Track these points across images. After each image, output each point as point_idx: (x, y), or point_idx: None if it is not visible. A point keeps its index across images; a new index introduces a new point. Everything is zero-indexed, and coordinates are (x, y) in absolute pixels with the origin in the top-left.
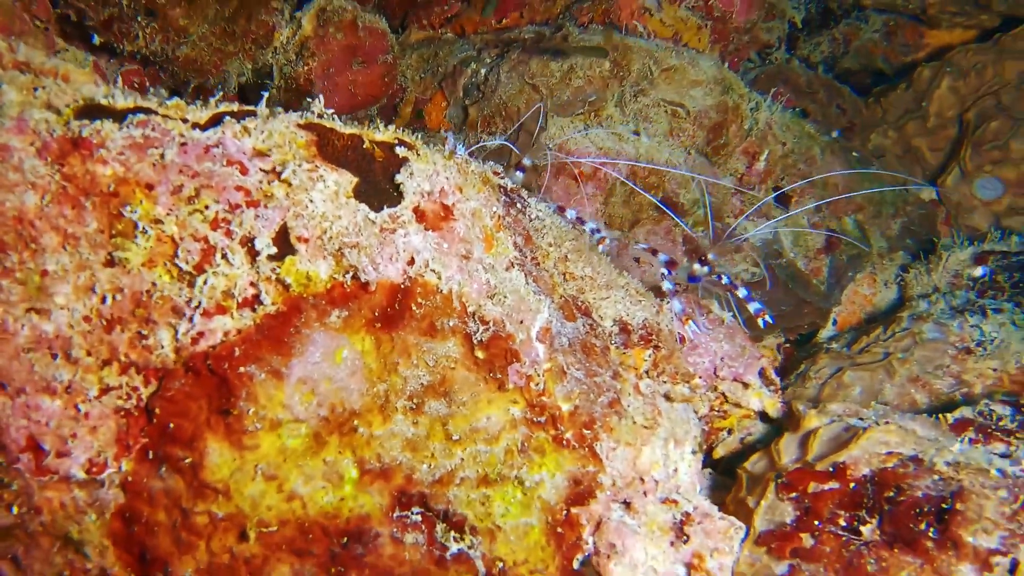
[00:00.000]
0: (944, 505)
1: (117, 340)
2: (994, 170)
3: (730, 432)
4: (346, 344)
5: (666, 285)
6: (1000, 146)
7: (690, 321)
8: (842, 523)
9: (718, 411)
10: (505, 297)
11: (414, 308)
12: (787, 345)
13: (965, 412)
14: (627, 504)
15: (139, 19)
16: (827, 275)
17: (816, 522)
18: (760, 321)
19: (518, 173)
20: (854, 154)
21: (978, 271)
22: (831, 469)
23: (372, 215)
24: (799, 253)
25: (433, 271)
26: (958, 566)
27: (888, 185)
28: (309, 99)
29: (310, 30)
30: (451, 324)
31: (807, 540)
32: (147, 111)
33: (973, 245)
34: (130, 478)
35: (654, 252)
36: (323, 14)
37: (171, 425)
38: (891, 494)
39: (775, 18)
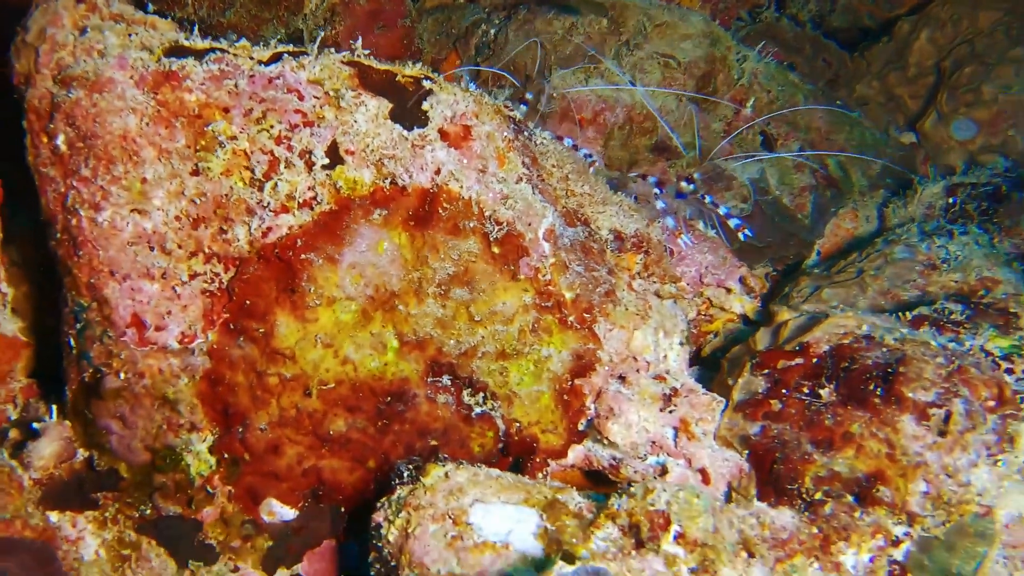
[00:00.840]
0: (890, 370)
1: (202, 235)
2: (968, 112)
3: (716, 335)
4: (386, 237)
5: (659, 204)
6: (973, 89)
7: (681, 236)
8: (806, 390)
9: (705, 315)
10: (516, 203)
11: (440, 211)
12: (775, 274)
13: (923, 310)
14: (622, 378)
15: None
16: (811, 210)
17: (784, 390)
18: (740, 235)
19: (522, 106)
20: (838, 102)
21: (948, 201)
22: (797, 348)
23: (405, 132)
24: (785, 190)
25: (456, 180)
26: (900, 416)
27: (869, 129)
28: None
29: None
30: (471, 225)
31: (776, 405)
32: (222, 51)
33: (945, 179)
34: (215, 346)
35: (644, 177)
36: None
37: (247, 302)
38: (846, 364)
39: None
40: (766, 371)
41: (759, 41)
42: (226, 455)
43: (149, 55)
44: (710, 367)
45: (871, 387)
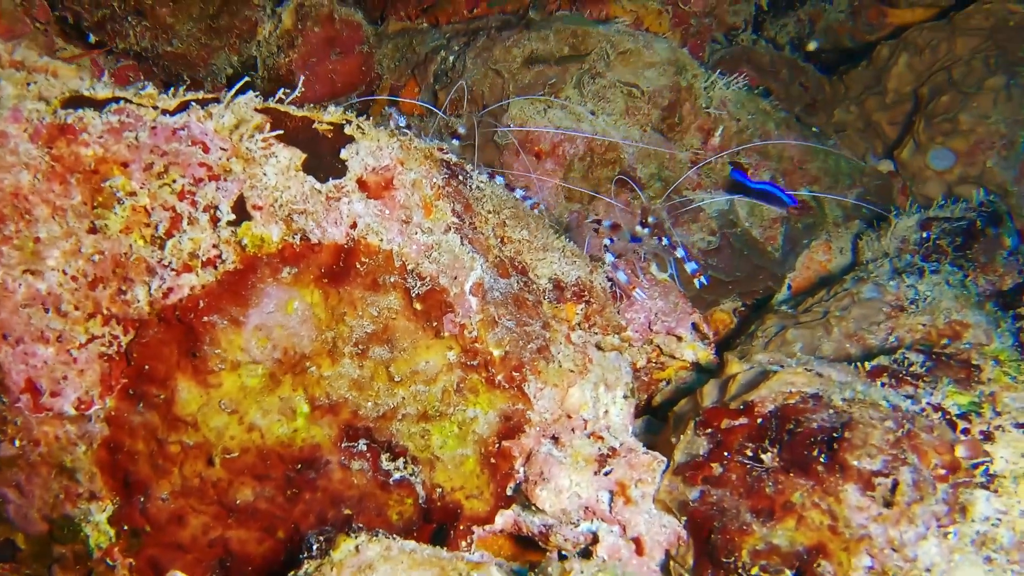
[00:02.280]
0: (835, 434)
1: (100, 296)
2: (946, 141)
3: (668, 382)
4: (297, 296)
5: (608, 257)
6: (950, 119)
7: (635, 290)
8: (748, 453)
9: (656, 363)
10: (441, 255)
11: (358, 266)
12: (743, 309)
13: (882, 360)
14: (555, 439)
15: (129, 19)
16: (782, 242)
17: (725, 453)
18: (696, 281)
19: (454, 140)
20: (813, 129)
21: (922, 236)
22: (742, 407)
23: (318, 185)
24: (754, 222)
25: (375, 233)
26: (844, 486)
27: (844, 158)
28: (288, 89)
29: (290, 24)
30: (392, 280)
31: (717, 469)
32: (124, 100)
33: (920, 212)
34: (113, 413)
35: (599, 222)
36: (301, 9)
37: (147, 367)
38: (791, 426)
39: (740, 1)
40: (709, 430)
41: (733, 65)
42: (126, 526)
43: (46, 107)
44: (661, 416)
45: (815, 453)
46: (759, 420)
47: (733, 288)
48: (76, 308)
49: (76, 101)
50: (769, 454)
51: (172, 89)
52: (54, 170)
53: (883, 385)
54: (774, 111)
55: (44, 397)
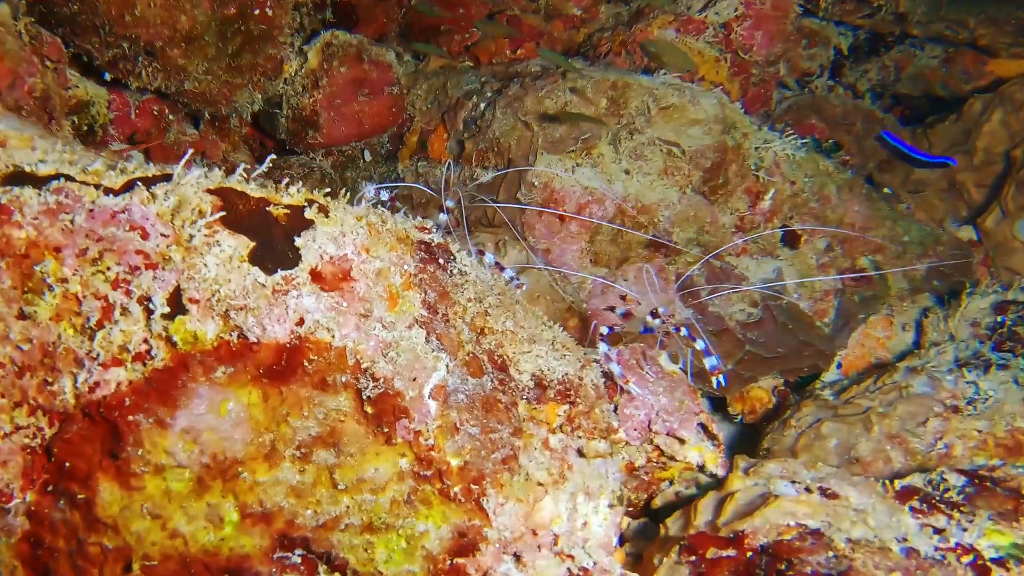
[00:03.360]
0: None
1: (27, 384)
2: None
3: (671, 482)
4: (231, 397)
5: (602, 347)
6: None
7: (630, 382)
8: None
9: (657, 462)
10: (399, 355)
11: (306, 364)
12: (784, 388)
13: (915, 480)
14: (517, 557)
15: (140, 59)
16: (833, 317)
17: None
18: (714, 380)
19: (441, 216)
20: (885, 190)
21: (996, 320)
22: (732, 536)
23: (263, 278)
24: (803, 294)
25: (326, 329)
26: None
27: (916, 223)
28: (313, 130)
29: (316, 63)
30: (343, 379)
31: None
32: (67, 177)
33: (997, 292)
34: (34, 508)
35: (612, 309)
36: (328, 48)
37: (68, 463)
38: (782, 567)
39: (817, 45)
40: (693, 559)
41: (801, 116)
42: None
43: None
44: (662, 519)
45: None
46: (748, 554)
47: (774, 365)
48: (2, 396)
49: (17, 178)
50: None
51: (128, 164)
52: None
53: (911, 511)
54: (836, 172)
55: None
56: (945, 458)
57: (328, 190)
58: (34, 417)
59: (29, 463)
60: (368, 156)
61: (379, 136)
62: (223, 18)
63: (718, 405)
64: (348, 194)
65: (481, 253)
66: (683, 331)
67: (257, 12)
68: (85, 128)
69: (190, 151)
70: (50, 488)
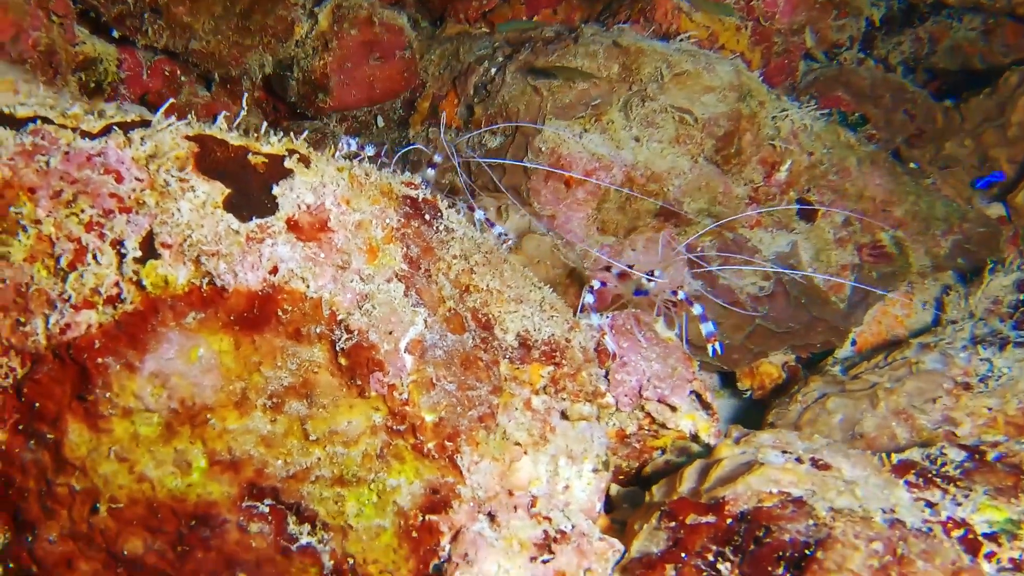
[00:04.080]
0: (808, 551)
1: (0, 325)
2: None
3: (663, 452)
4: (202, 344)
5: (587, 298)
6: None
7: (605, 336)
8: (710, 558)
9: (648, 430)
10: (375, 308)
11: (280, 313)
12: (795, 363)
13: (913, 454)
14: (492, 516)
15: (146, 15)
16: (849, 292)
17: (683, 554)
18: (709, 347)
19: (429, 170)
20: (911, 165)
21: (1019, 299)
22: (712, 502)
23: (236, 225)
24: (819, 269)
25: (301, 279)
26: None
27: (941, 199)
28: (324, 94)
29: (326, 26)
30: (318, 331)
31: (669, 571)
32: (45, 120)
33: (1021, 270)
34: (4, 447)
35: (608, 269)
36: (338, 11)
37: (37, 404)
38: (759, 534)
39: (848, 15)
40: (672, 524)
41: (827, 88)
42: (12, 564)
43: None
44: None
45: (779, 571)
46: (728, 521)
47: (785, 340)
48: None
49: None
50: (728, 564)
51: (108, 109)
52: None
53: (906, 485)
54: (858, 144)
55: None
56: (951, 436)
57: (304, 136)
58: (6, 357)
59: (1, 403)
60: (381, 122)
61: (392, 101)
62: None
63: (728, 381)
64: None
65: (471, 210)
66: (680, 295)
67: None
68: (93, 85)
69: (171, 99)
70: (20, 428)
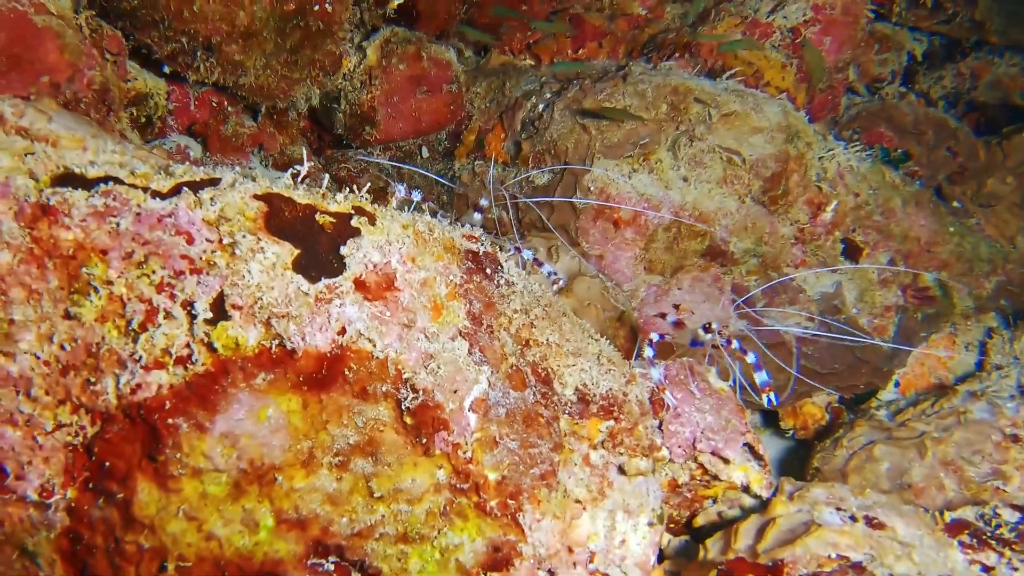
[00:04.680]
0: None
1: (71, 383)
2: None
3: (715, 501)
4: (271, 404)
5: (647, 352)
6: None
7: (665, 391)
8: None
9: (700, 480)
10: (441, 367)
11: (346, 372)
12: (838, 405)
13: (967, 513)
14: (551, 573)
15: (198, 54)
16: (894, 334)
17: None
18: (764, 398)
19: (476, 215)
20: (954, 204)
21: None
22: (770, 564)
23: (306, 286)
24: (863, 309)
25: (368, 339)
26: None
27: (985, 240)
28: (370, 126)
29: (374, 60)
30: (384, 389)
31: None
32: (115, 180)
33: None
34: (74, 504)
35: (663, 316)
36: (387, 45)
37: (107, 463)
38: None
39: (890, 50)
40: None
41: (869, 123)
42: None
43: (35, 184)
44: (704, 537)
45: None
46: None
47: (829, 381)
48: (46, 393)
49: (66, 179)
50: None
51: (176, 167)
52: (33, 252)
53: (960, 546)
54: (903, 184)
55: (9, 479)
56: (1001, 490)
57: (371, 195)
58: (77, 415)
59: (71, 460)
60: (426, 152)
61: (437, 133)
62: (282, 14)
63: (770, 419)
64: (396, 197)
65: (518, 250)
66: (735, 343)
67: (317, 8)
68: (143, 120)
69: (237, 168)
70: (90, 486)
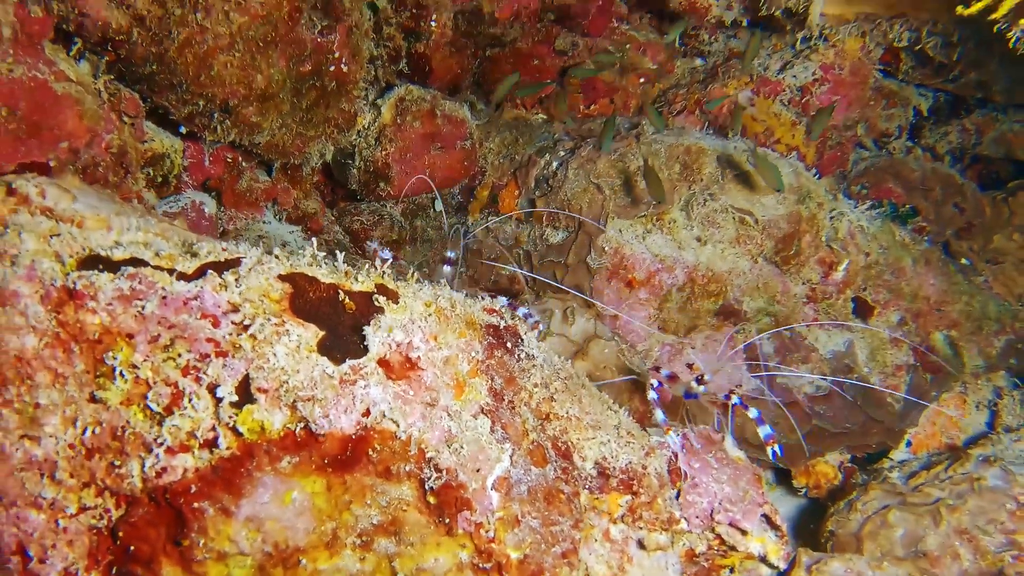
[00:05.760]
0: None
1: (96, 466)
2: None
3: (732, 571)
4: (296, 487)
5: (651, 395)
6: None
7: (679, 458)
8: None
9: (717, 550)
10: (463, 446)
11: (370, 452)
12: (850, 464)
13: None
14: None
15: (215, 116)
16: (905, 393)
17: None
18: (768, 450)
19: (445, 268)
20: (962, 261)
21: None
22: None
23: (331, 369)
24: (874, 368)
25: (392, 420)
26: None
27: (994, 299)
28: (384, 182)
29: (389, 118)
30: (407, 469)
31: None
32: (140, 263)
33: None
34: None
35: (657, 369)
36: (401, 103)
37: (132, 547)
38: None
39: (896, 106)
40: None
41: (877, 179)
42: None
43: (60, 267)
44: None
45: None
46: None
47: (841, 440)
48: (71, 476)
49: (92, 262)
50: None
51: (201, 247)
52: (59, 337)
53: None
54: (912, 243)
55: (32, 563)
56: (1018, 561)
57: (393, 271)
58: (101, 499)
59: (95, 544)
60: (439, 206)
61: (448, 189)
62: (298, 75)
63: (781, 475)
64: (415, 273)
65: (513, 308)
66: (734, 399)
67: (333, 68)
68: (160, 179)
69: (260, 248)
70: (115, 570)
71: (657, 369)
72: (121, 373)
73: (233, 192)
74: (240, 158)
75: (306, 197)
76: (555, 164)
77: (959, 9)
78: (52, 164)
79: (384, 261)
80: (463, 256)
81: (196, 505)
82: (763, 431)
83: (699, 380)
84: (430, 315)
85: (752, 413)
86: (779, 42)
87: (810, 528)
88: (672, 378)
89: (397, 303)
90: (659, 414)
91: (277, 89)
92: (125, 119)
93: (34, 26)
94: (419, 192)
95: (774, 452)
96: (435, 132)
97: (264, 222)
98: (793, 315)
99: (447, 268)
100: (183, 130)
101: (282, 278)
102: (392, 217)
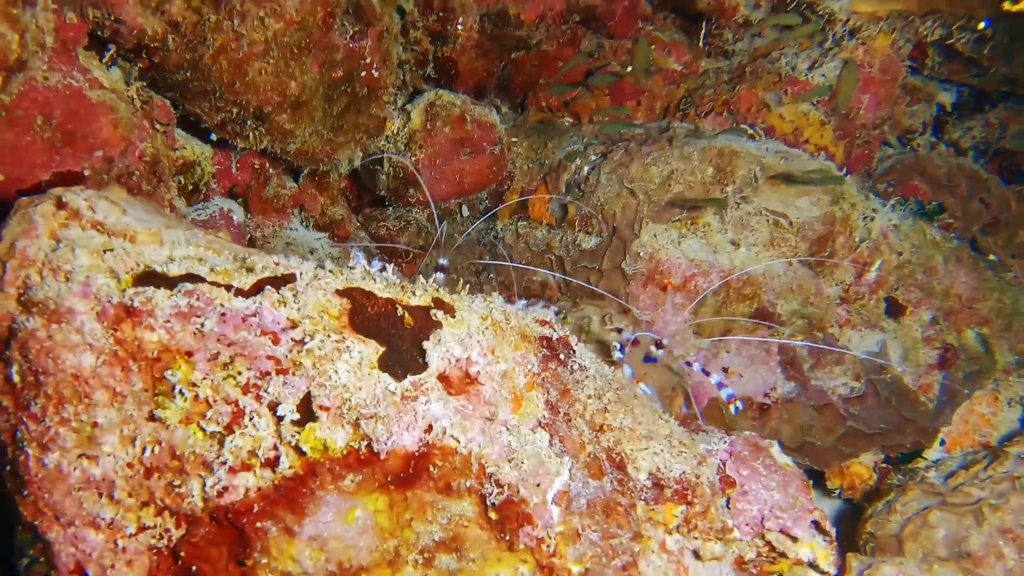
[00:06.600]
0: None
1: (155, 486)
2: None
3: None
4: (359, 505)
5: (616, 355)
6: None
7: (727, 465)
8: None
9: (767, 557)
10: (524, 461)
11: (431, 469)
12: (885, 464)
13: None
14: None
15: (248, 123)
16: (938, 392)
17: None
18: (732, 407)
19: (438, 275)
20: (991, 257)
21: None
22: None
23: (392, 386)
24: (908, 368)
25: (452, 436)
26: None
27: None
28: (414, 188)
29: (418, 124)
30: (468, 484)
31: None
32: (197, 279)
33: None
34: None
35: (619, 331)
36: (431, 108)
37: (194, 567)
38: None
39: (920, 102)
40: None
41: (904, 176)
42: None
43: (116, 284)
44: None
45: None
46: None
47: (875, 440)
48: (130, 495)
49: (147, 278)
50: None
51: (256, 261)
52: (116, 355)
53: None
54: (943, 242)
55: None
56: None
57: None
58: (161, 518)
59: (155, 564)
60: (466, 211)
61: (476, 194)
62: (330, 81)
63: (813, 475)
64: (467, 286)
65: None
66: (696, 367)
67: (364, 74)
68: (191, 187)
69: (313, 262)
70: None
71: (619, 331)
72: (181, 391)
73: (260, 199)
74: (267, 164)
75: (333, 203)
76: (586, 168)
77: (1006, 5)
78: (87, 173)
79: (440, 268)
80: (493, 259)
81: (259, 525)
82: (725, 392)
83: (658, 345)
84: (487, 328)
85: (714, 379)
86: (806, 40)
87: (846, 530)
88: (635, 343)
89: (454, 317)
90: (627, 369)
91: (310, 96)
92: (158, 127)
93: (69, 32)
94: (448, 199)
95: (736, 408)
96: (465, 137)
97: (291, 229)
98: (826, 316)
99: (440, 275)
100: (214, 137)
101: (340, 293)
102: (418, 222)
